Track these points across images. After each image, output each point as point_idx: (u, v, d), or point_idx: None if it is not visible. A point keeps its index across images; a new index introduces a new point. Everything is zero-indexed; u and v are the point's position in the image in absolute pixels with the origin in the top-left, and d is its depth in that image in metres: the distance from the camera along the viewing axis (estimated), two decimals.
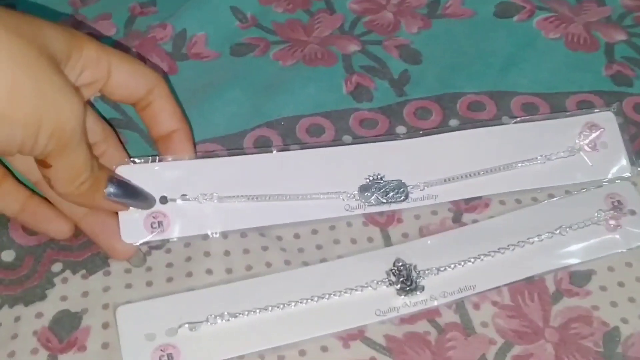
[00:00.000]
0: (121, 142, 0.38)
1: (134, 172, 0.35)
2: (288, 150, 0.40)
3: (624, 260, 0.36)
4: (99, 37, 0.47)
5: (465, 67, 0.46)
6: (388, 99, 0.44)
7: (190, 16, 0.48)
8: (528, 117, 0.41)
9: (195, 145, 0.39)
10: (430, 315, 0.34)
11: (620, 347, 0.33)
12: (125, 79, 0.34)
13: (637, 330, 0.34)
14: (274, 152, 0.39)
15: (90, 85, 0.33)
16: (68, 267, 0.36)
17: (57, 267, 0.36)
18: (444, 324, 0.34)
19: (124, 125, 0.42)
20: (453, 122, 0.42)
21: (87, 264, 0.36)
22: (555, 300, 0.35)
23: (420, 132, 0.41)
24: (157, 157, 0.36)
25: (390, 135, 0.41)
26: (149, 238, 0.35)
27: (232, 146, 0.41)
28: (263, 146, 0.41)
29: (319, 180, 0.37)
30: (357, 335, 0.33)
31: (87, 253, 0.36)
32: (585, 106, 0.43)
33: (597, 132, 0.39)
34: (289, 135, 0.42)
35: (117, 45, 0.46)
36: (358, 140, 0.41)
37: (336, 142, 0.41)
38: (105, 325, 0.33)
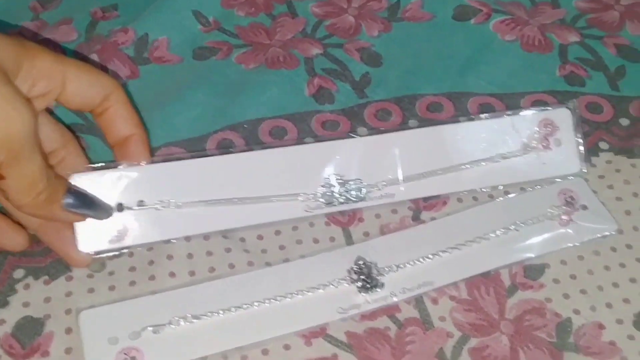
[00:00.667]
0: (82, 148, 0.38)
1: (90, 180, 0.35)
2: (248, 148, 0.40)
3: (576, 253, 0.37)
4: (60, 43, 0.47)
5: (424, 69, 0.47)
6: (349, 101, 0.45)
7: (152, 20, 0.48)
8: (484, 115, 0.42)
9: (151, 150, 0.39)
10: (390, 311, 0.35)
11: (572, 337, 0.34)
12: (81, 88, 0.34)
13: (588, 320, 0.35)
14: (232, 154, 0.39)
15: (45, 96, 0.33)
16: (30, 274, 0.36)
17: (18, 273, 0.36)
18: (404, 319, 0.35)
19: (86, 131, 0.42)
20: (412, 123, 0.43)
21: (49, 269, 0.36)
22: (511, 293, 0.36)
23: (379, 129, 0.41)
24: (115, 164, 0.36)
25: (349, 134, 0.42)
26: (107, 247, 0.35)
27: (196, 149, 0.41)
28: (226, 149, 0.42)
29: (278, 181, 0.38)
30: (319, 332, 0.34)
31: (49, 259, 0.36)
32: (539, 106, 0.44)
33: (551, 129, 0.41)
34: (251, 137, 0.42)
35: (76, 52, 0.46)
36: (317, 138, 0.41)
37: (295, 142, 0.42)
38: (68, 331, 0.34)
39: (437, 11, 0.50)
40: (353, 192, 0.38)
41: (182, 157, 0.39)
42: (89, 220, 0.35)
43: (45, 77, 0.32)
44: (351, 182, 0.38)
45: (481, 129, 0.41)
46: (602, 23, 0.50)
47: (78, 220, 0.34)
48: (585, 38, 0.49)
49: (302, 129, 0.43)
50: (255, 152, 0.39)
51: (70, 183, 0.34)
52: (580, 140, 0.41)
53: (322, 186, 0.38)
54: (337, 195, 0.38)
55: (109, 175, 0.36)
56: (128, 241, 0.35)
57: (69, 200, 0.33)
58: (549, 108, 0.42)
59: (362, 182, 0.38)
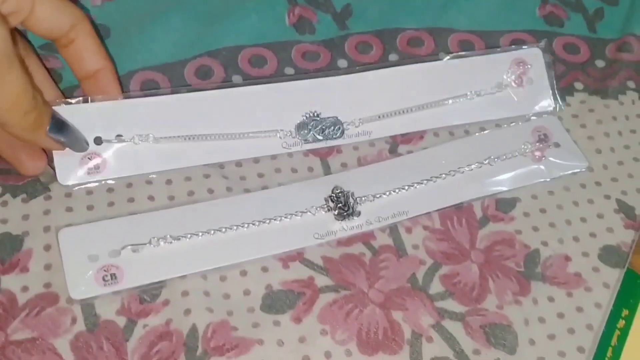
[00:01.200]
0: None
1: (67, 113, 0.35)
2: (226, 85, 0.40)
3: (547, 189, 0.39)
4: None
5: (405, 2, 0.46)
6: (330, 32, 0.45)
7: None
8: (459, 54, 0.42)
9: (121, 84, 0.38)
10: (366, 238, 0.36)
11: (539, 268, 0.36)
12: (49, 13, 0.33)
13: (555, 252, 0.36)
14: (210, 90, 0.39)
15: (13, 15, 0.32)
16: (7, 191, 0.35)
17: None
18: (378, 246, 0.36)
19: None
20: (392, 57, 0.43)
21: (27, 188, 0.36)
22: (482, 225, 0.37)
23: (357, 67, 0.41)
24: (92, 97, 0.36)
25: (327, 71, 0.42)
26: (85, 179, 0.35)
27: (174, 75, 0.41)
28: (205, 76, 0.41)
29: (256, 119, 0.38)
30: (296, 257, 0.35)
31: (26, 178, 0.36)
32: (517, 44, 0.44)
33: (524, 68, 0.41)
34: (230, 65, 0.42)
35: None
36: (295, 76, 0.41)
37: (274, 78, 0.41)
38: (47, 248, 0.34)
39: None
40: (330, 130, 0.38)
41: (161, 92, 0.39)
42: (68, 153, 0.35)
43: None
44: (329, 119, 0.39)
45: (455, 66, 0.42)
46: None
47: (58, 149, 0.34)
48: None
49: (281, 58, 0.43)
50: (234, 89, 0.39)
51: (54, 110, 0.33)
52: (553, 80, 0.42)
53: (299, 123, 0.38)
54: (314, 133, 0.38)
55: (87, 108, 0.36)
56: (106, 174, 0.36)
57: (53, 126, 0.32)
58: (523, 47, 0.42)
59: (339, 120, 0.39)
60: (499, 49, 0.42)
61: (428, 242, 0.36)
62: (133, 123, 0.37)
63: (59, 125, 0.33)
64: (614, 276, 0.35)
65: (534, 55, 0.42)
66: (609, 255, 0.36)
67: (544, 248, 0.36)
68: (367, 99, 0.40)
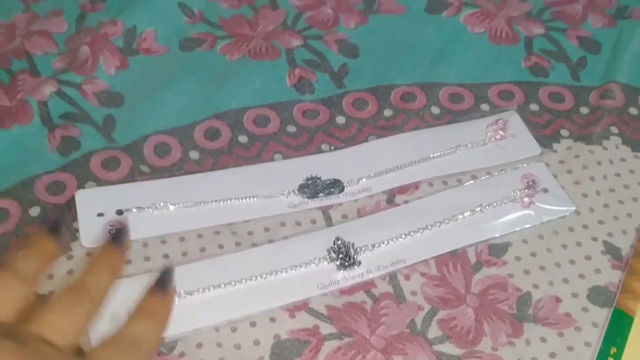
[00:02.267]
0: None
1: (94, 195, 0.40)
2: (231, 165, 0.43)
3: (537, 233, 0.41)
4: (51, 33, 0.49)
5: (398, 60, 0.49)
6: (328, 90, 0.48)
7: (139, 12, 0.50)
8: (439, 122, 0.46)
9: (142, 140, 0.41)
10: (367, 287, 0.38)
11: (531, 310, 0.38)
12: None
13: (546, 294, 0.38)
14: (219, 170, 0.42)
15: None
16: None
17: None
18: (379, 294, 0.38)
19: (80, 119, 0.44)
20: (387, 112, 0.46)
21: None
22: (476, 269, 0.39)
23: (342, 144, 0.44)
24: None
25: (318, 150, 0.45)
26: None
27: (184, 137, 0.44)
28: (213, 137, 0.44)
29: (261, 188, 0.41)
30: (302, 306, 0.37)
31: None
32: (505, 96, 0.47)
33: (503, 124, 0.44)
34: (236, 126, 0.45)
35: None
36: (291, 155, 0.44)
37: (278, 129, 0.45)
38: None
39: (411, 4, 0.53)
40: (331, 188, 0.41)
41: (174, 175, 0.42)
42: (90, 218, 0.39)
43: None
44: (329, 180, 0.42)
45: (439, 131, 0.45)
46: (565, 16, 0.53)
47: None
48: (550, 30, 0.52)
49: (284, 117, 0.46)
50: (237, 169, 0.43)
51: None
52: (534, 132, 0.45)
53: (301, 185, 0.42)
54: (316, 191, 0.41)
55: (113, 188, 0.41)
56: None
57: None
58: (498, 108, 0.46)
59: (339, 180, 0.42)
60: (478, 115, 0.46)
61: (426, 288, 0.38)
62: (151, 196, 0.40)
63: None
64: (602, 315, 0.37)
65: (509, 115, 0.46)
66: (597, 295, 0.38)
67: (535, 290, 0.38)
68: (362, 164, 0.43)
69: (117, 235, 0.33)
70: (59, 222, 0.32)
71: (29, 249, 0.30)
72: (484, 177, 0.43)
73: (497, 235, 0.40)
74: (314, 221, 0.41)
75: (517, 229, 0.41)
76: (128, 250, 0.33)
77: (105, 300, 0.30)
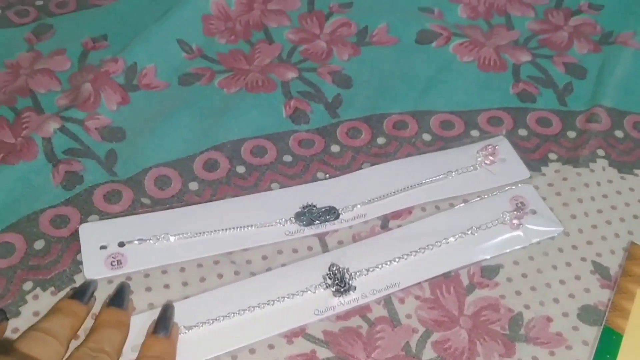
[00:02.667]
0: None
1: (97, 228, 0.42)
2: (229, 195, 0.44)
3: (527, 254, 0.42)
4: (55, 71, 0.51)
5: (390, 90, 0.51)
6: (323, 120, 0.49)
7: (140, 49, 0.52)
8: (430, 148, 0.47)
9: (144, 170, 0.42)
10: (362, 311, 0.39)
11: (523, 330, 0.39)
12: None
13: (537, 314, 0.39)
14: (217, 201, 0.44)
15: None
16: (38, 285, 0.39)
17: (27, 285, 0.39)
18: (374, 318, 0.39)
19: (83, 154, 0.46)
20: (380, 140, 0.48)
21: (54, 281, 0.40)
22: (469, 291, 0.40)
23: (337, 172, 0.46)
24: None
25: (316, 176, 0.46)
26: (109, 274, 0.40)
27: (184, 169, 0.45)
28: (212, 168, 0.46)
29: (258, 217, 0.43)
30: (299, 332, 0.38)
31: (54, 271, 0.40)
32: (494, 122, 0.49)
33: (492, 150, 0.46)
34: (234, 157, 0.46)
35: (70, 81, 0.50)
36: (288, 184, 0.45)
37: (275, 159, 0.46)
38: (75, 336, 0.37)
39: (402, 35, 0.55)
40: (326, 216, 0.43)
41: (174, 206, 0.43)
42: (94, 251, 0.40)
43: None
44: (324, 207, 0.43)
45: (434, 157, 0.47)
46: (552, 43, 0.55)
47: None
48: (537, 57, 0.54)
49: (280, 147, 0.47)
50: (235, 199, 0.44)
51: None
52: (522, 156, 0.46)
53: (298, 212, 0.43)
54: (312, 219, 0.43)
55: (116, 221, 0.42)
56: (127, 268, 0.40)
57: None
58: (490, 136, 0.48)
59: (334, 207, 0.43)
60: (468, 140, 0.48)
61: (420, 311, 0.39)
62: (151, 228, 0.42)
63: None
64: (592, 334, 0.38)
65: (499, 140, 0.47)
66: (587, 314, 0.39)
67: (527, 311, 0.39)
68: (357, 191, 0.44)
69: (118, 298, 0.37)
70: (86, 289, 0.38)
71: (60, 313, 0.36)
72: (474, 200, 0.44)
73: (488, 257, 0.41)
74: (310, 248, 0.42)
75: (508, 250, 0.42)
76: (131, 310, 0.38)
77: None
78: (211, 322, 0.38)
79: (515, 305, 0.40)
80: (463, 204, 0.44)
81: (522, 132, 0.49)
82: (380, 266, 0.41)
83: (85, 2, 0.57)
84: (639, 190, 0.45)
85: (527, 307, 0.40)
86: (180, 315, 0.38)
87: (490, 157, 0.46)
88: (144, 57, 0.52)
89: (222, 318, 0.38)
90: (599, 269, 0.41)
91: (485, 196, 0.45)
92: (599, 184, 0.45)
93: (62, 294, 0.39)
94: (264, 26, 0.56)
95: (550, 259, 0.42)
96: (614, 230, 0.43)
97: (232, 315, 0.38)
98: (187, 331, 0.37)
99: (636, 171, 0.46)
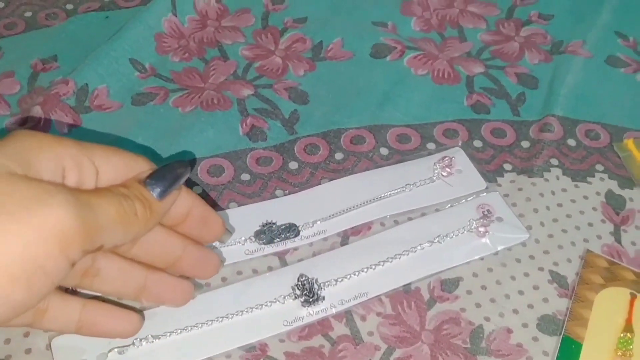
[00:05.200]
0: None
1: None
2: None
3: (486, 266, 0.42)
4: (4, 95, 0.50)
5: (346, 105, 0.51)
6: (280, 137, 0.49)
7: (91, 70, 0.51)
8: (388, 162, 0.47)
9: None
10: (325, 330, 0.39)
11: (484, 342, 0.39)
12: (116, 172, 0.33)
13: (497, 326, 0.40)
14: None
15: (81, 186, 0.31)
16: None
17: None
18: (336, 336, 0.39)
19: None
20: (338, 156, 0.48)
21: None
22: (430, 306, 0.40)
23: (296, 189, 0.46)
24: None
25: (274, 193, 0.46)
26: None
27: None
28: None
29: None
30: (261, 354, 0.38)
31: None
32: (450, 134, 0.49)
33: (449, 161, 0.46)
34: (191, 177, 0.46)
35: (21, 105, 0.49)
36: (246, 202, 0.45)
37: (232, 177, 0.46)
38: None
39: (356, 50, 0.55)
40: (286, 233, 0.42)
41: None
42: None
43: (73, 167, 0.31)
44: (284, 225, 0.43)
45: (389, 171, 0.47)
46: (503, 54, 0.56)
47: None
48: (489, 69, 0.55)
49: (238, 166, 0.47)
50: None
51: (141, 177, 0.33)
52: (479, 167, 0.47)
53: (257, 231, 0.42)
54: (272, 236, 0.42)
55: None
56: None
57: (155, 188, 0.33)
58: (446, 148, 0.48)
59: (294, 223, 0.43)
60: (425, 153, 0.48)
61: (382, 328, 0.39)
62: None
63: (158, 180, 0.33)
64: (552, 344, 0.39)
65: (455, 152, 0.48)
66: (546, 324, 0.40)
67: (487, 323, 0.40)
68: (318, 205, 0.44)
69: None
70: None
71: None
72: (447, 207, 0.45)
73: (457, 264, 0.42)
74: (270, 268, 0.42)
75: (475, 257, 0.42)
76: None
77: None
78: (179, 331, 0.38)
79: (476, 318, 0.40)
80: (430, 214, 0.44)
81: (477, 143, 0.49)
82: (348, 276, 0.41)
83: (34, 22, 0.56)
84: (592, 198, 0.46)
85: (487, 319, 0.40)
86: (148, 325, 0.37)
87: (447, 169, 0.46)
88: (96, 77, 0.51)
89: (189, 328, 0.38)
90: (557, 278, 0.42)
91: (448, 205, 0.45)
92: (553, 193, 0.46)
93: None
94: (218, 43, 0.55)
95: (508, 270, 0.42)
96: (570, 238, 0.44)
97: (201, 325, 0.38)
98: (154, 340, 0.37)
99: (589, 179, 0.47)
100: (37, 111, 0.48)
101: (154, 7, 0.56)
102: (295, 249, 0.43)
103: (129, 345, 0.37)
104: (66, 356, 0.36)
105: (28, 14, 0.57)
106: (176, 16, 0.56)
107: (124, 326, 0.36)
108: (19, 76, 0.51)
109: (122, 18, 0.56)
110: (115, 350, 0.37)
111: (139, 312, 0.38)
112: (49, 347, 0.37)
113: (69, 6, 0.58)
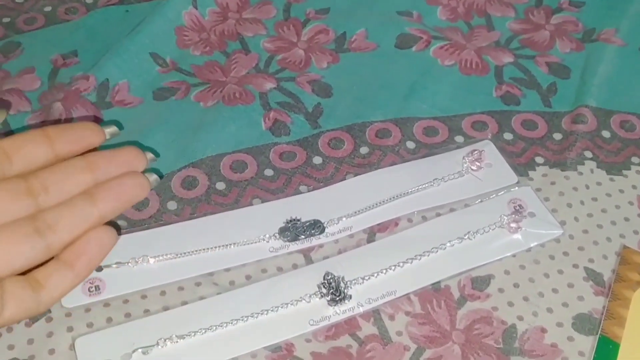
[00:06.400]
0: None
1: None
2: (209, 213, 0.43)
3: (518, 263, 0.41)
4: (24, 91, 0.49)
5: (371, 97, 0.50)
6: (304, 131, 0.48)
7: (111, 65, 0.50)
8: (415, 156, 0.46)
9: None
10: (352, 329, 0.38)
11: (517, 342, 0.37)
12: None
13: (531, 325, 0.38)
14: (197, 218, 0.42)
15: None
16: None
17: None
18: (364, 336, 0.38)
19: None
20: (363, 150, 0.46)
21: None
22: (460, 305, 0.39)
23: (320, 184, 0.45)
24: None
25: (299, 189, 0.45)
26: (86, 300, 0.38)
27: (162, 188, 0.44)
28: (190, 186, 0.44)
29: (241, 234, 0.41)
30: (287, 354, 0.37)
31: None
32: (478, 126, 0.48)
33: (479, 154, 0.45)
34: (213, 173, 0.45)
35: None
36: (270, 199, 0.44)
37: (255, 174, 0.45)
38: None
39: (381, 41, 0.54)
40: (311, 230, 0.41)
41: (150, 226, 0.42)
42: None
43: None
44: (308, 221, 0.42)
45: (416, 165, 0.45)
46: (533, 43, 0.54)
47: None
48: (519, 58, 0.53)
49: (261, 161, 0.46)
50: (215, 216, 0.42)
51: None
52: (509, 159, 0.45)
53: (281, 228, 0.41)
54: (296, 234, 0.41)
55: None
56: (106, 294, 0.38)
57: None
58: (476, 140, 0.47)
59: (319, 220, 0.42)
60: (453, 146, 0.46)
61: (411, 328, 0.38)
62: (129, 251, 0.40)
63: None
64: (588, 344, 0.37)
65: (485, 145, 0.46)
66: (582, 323, 0.38)
67: (520, 322, 0.38)
68: (343, 201, 0.43)
69: None
70: None
71: None
72: (477, 202, 0.43)
73: (489, 261, 0.40)
74: (295, 265, 0.41)
75: (506, 254, 0.41)
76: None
77: None
78: (203, 331, 0.37)
79: (508, 317, 0.39)
80: (460, 209, 0.43)
81: (508, 135, 0.47)
82: (375, 274, 0.39)
83: (54, 17, 0.56)
84: (628, 192, 0.44)
85: (520, 318, 0.39)
86: (174, 325, 0.37)
87: (477, 163, 0.45)
88: (116, 72, 0.50)
89: (214, 327, 0.37)
90: (592, 276, 0.40)
91: (478, 200, 0.43)
92: (587, 187, 0.45)
93: (37, 324, 0.37)
94: (240, 36, 0.54)
95: (541, 267, 0.41)
96: (606, 234, 0.42)
97: (225, 325, 0.37)
98: (179, 340, 0.36)
99: (625, 172, 0.45)
100: (58, 107, 0.47)
101: (174, 0, 0.55)
102: (321, 246, 0.42)
103: (153, 346, 0.36)
104: (90, 356, 0.36)
105: (47, 8, 0.56)
106: (196, 9, 0.55)
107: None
108: (40, 72, 0.51)
109: (142, 12, 0.55)
110: (140, 350, 0.36)
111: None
112: (72, 347, 0.36)
113: (89, 0, 0.57)
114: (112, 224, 0.37)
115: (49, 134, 0.35)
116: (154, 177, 0.37)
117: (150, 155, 0.37)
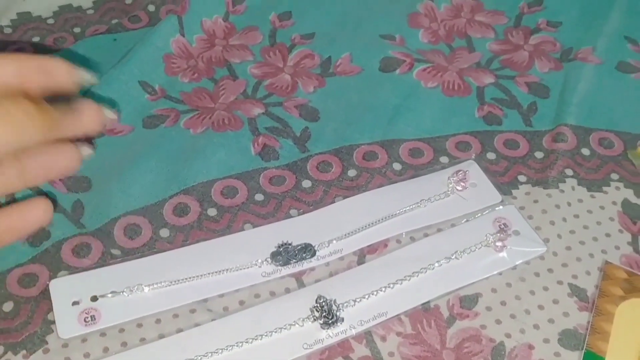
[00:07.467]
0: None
1: (67, 283, 0.41)
2: (202, 239, 0.44)
3: (504, 281, 0.42)
4: None
5: (357, 120, 0.51)
6: (292, 155, 0.49)
7: (101, 94, 0.51)
8: (402, 177, 0.47)
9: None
10: (345, 352, 0.39)
11: (506, 359, 0.39)
12: None
13: (519, 342, 0.39)
14: (189, 245, 0.43)
15: None
16: (9, 349, 0.38)
17: None
18: (357, 358, 0.38)
19: None
20: (351, 172, 0.48)
21: (26, 344, 0.38)
22: (449, 324, 0.40)
23: (310, 208, 0.46)
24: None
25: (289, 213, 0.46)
26: (82, 330, 0.39)
27: (154, 216, 0.45)
28: (182, 213, 0.45)
29: (233, 260, 0.42)
30: None
31: (25, 333, 0.39)
32: (462, 147, 0.49)
33: (463, 175, 0.46)
34: (205, 199, 0.46)
35: None
36: (261, 223, 0.45)
37: (245, 199, 0.46)
38: None
39: (365, 64, 0.55)
40: (302, 254, 0.42)
41: (144, 255, 0.43)
42: (66, 307, 0.39)
43: None
44: (299, 245, 0.43)
45: (402, 186, 0.47)
46: (513, 63, 0.56)
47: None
48: (500, 79, 0.54)
49: (251, 186, 0.47)
50: (208, 242, 0.43)
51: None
52: (493, 179, 0.47)
53: (273, 252, 0.42)
54: (288, 259, 0.42)
55: (87, 275, 0.41)
56: (101, 324, 0.39)
57: None
58: (460, 161, 0.48)
59: (309, 244, 0.43)
60: (438, 167, 0.48)
61: (402, 348, 0.39)
62: (124, 280, 0.41)
63: None
64: (574, 359, 0.38)
65: (469, 165, 0.47)
66: (567, 339, 0.39)
67: (508, 340, 0.39)
68: (333, 224, 0.44)
69: None
70: None
71: None
72: (463, 222, 0.44)
73: (475, 280, 0.41)
74: (287, 290, 0.42)
75: (493, 273, 0.42)
76: None
77: None
78: (199, 358, 0.37)
79: (497, 335, 0.40)
80: (447, 229, 0.44)
81: (491, 155, 0.49)
82: (367, 296, 0.40)
83: (42, 47, 0.56)
84: (609, 208, 0.46)
85: (508, 335, 0.40)
86: (167, 351, 0.38)
87: (462, 183, 0.46)
88: (106, 101, 0.51)
89: (210, 354, 0.37)
90: (576, 292, 0.41)
91: (464, 220, 0.45)
92: (569, 204, 0.46)
93: (34, 356, 0.38)
94: (227, 62, 0.55)
95: (527, 285, 0.42)
96: (588, 250, 0.43)
97: (221, 351, 0.38)
98: None
99: (605, 188, 0.47)
100: None
101: (162, 28, 0.56)
102: (312, 269, 0.42)
103: None
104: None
105: (36, 39, 0.57)
106: (184, 36, 0.56)
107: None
108: None
109: (130, 40, 0.56)
110: None
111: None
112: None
113: (77, 29, 0.58)
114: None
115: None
116: (87, 152, 0.38)
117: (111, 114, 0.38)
